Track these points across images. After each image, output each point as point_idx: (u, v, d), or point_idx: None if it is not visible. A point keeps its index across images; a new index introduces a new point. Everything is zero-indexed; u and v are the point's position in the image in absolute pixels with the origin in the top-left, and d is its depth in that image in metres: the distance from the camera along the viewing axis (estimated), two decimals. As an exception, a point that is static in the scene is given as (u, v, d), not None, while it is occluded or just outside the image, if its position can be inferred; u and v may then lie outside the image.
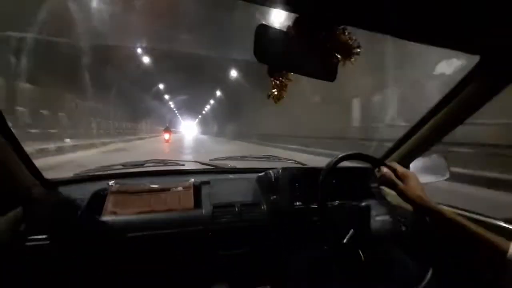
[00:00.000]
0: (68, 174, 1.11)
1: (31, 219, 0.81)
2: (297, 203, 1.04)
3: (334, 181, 1.08)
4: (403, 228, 0.99)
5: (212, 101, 33.37)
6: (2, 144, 0.74)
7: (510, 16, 0.47)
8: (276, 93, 0.63)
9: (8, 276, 0.75)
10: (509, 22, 0.49)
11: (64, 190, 0.99)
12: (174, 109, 46.32)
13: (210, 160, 1.47)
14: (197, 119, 62.07)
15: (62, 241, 0.81)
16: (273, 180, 1.10)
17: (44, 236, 0.79)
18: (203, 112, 48.30)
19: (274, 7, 0.55)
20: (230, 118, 27.83)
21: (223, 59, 13.28)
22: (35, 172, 0.90)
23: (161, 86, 23.46)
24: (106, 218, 0.90)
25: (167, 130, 16.54)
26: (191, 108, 45.03)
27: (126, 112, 18.98)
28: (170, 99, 33.68)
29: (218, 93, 26.04)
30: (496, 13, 0.47)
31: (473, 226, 0.59)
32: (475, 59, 0.67)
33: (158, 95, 26.94)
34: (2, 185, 0.77)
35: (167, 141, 15.68)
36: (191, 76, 18.85)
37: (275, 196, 1.06)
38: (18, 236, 0.77)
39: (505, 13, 0.47)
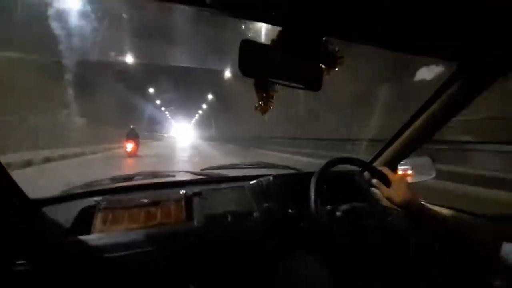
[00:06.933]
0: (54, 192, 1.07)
1: (16, 242, 0.77)
2: (290, 210, 1.04)
3: (325, 185, 1.09)
4: (395, 230, 1.01)
5: (210, 96, 24.87)
6: None
7: (485, 27, 0.50)
8: (263, 104, 0.63)
9: None
10: (483, 32, 0.52)
11: (49, 210, 0.95)
12: (162, 108, 38.46)
13: (201, 169, 1.45)
14: (193, 119, 53.04)
15: (49, 264, 0.78)
16: (264, 187, 1.10)
17: (30, 260, 0.76)
18: (199, 112, 40.39)
19: (259, 21, 0.56)
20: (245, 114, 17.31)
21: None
22: (18, 192, 0.86)
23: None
24: (94, 236, 0.87)
25: (132, 137, 10.44)
26: (185, 104, 35.79)
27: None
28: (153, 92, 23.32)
29: (228, 74, 16.74)
30: (472, 23, 0.49)
31: (463, 228, 0.60)
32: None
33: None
34: None
35: (130, 154, 9.96)
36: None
37: (267, 204, 1.06)
38: (2, 260, 0.73)
39: (480, 24, 0.49)
